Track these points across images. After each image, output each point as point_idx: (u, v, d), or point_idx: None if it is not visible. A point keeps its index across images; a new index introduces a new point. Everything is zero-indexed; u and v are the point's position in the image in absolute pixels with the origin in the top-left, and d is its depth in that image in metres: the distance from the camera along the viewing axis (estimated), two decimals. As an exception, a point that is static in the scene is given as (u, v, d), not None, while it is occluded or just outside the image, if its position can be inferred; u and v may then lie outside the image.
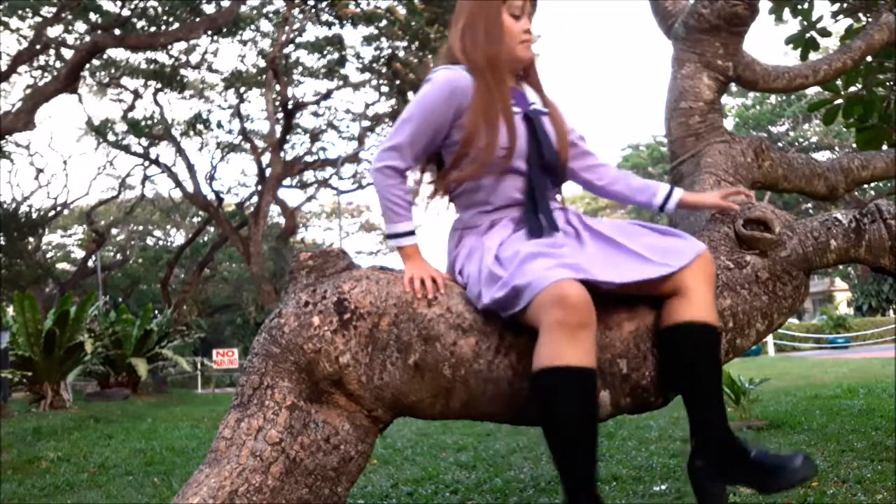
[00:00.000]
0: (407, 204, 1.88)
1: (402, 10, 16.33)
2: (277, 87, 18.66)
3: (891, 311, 26.34)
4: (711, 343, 1.72)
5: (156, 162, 21.11)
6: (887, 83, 4.47)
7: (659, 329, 1.76)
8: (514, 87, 1.94)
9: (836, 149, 24.06)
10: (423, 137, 1.86)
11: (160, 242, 31.41)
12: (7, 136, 13.74)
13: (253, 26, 18.38)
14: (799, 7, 4.36)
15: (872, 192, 15.84)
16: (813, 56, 4.26)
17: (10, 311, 10.31)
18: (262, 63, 19.09)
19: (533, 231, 1.82)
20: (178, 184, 20.59)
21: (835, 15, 4.46)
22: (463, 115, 1.85)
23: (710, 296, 1.73)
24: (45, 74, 15.96)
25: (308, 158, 22.40)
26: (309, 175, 24.03)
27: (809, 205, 22.44)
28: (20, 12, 13.54)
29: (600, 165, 2.09)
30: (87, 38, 13.27)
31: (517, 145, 1.85)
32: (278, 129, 19.18)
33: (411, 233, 1.88)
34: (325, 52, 18.98)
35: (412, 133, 1.85)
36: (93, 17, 14.18)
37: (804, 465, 1.59)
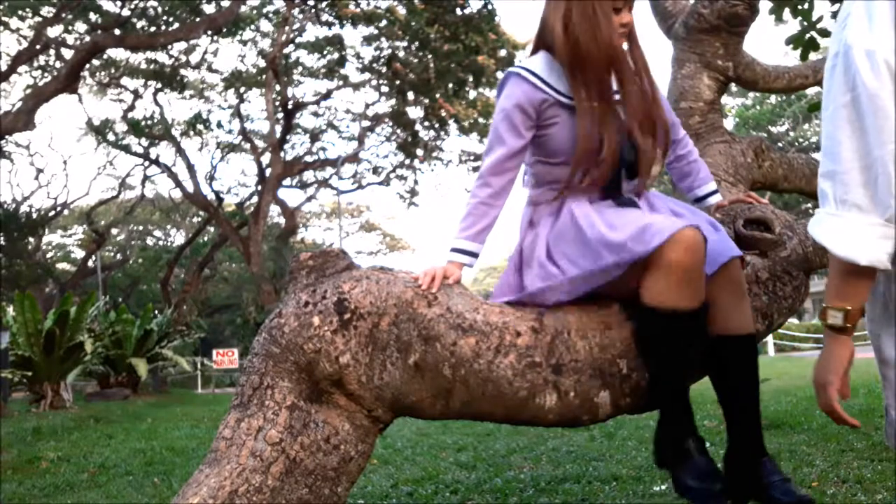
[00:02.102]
0: (474, 221, 1.84)
1: (402, 10, 16.32)
2: (277, 87, 18.64)
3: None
4: (742, 354, 1.74)
5: (156, 162, 21.10)
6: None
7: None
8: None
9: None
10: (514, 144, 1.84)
11: (160, 242, 31.39)
12: (7, 136, 13.73)
13: (253, 26, 18.37)
14: (799, 7, 4.36)
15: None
16: (813, 56, 4.25)
17: (10, 311, 10.30)
18: (262, 63, 19.08)
19: (622, 203, 1.82)
20: (178, 184, 20.57)
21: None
22: (546, 111, 1.82)
23: (739, 302, 1.74)
24: (45, 74, 15.95)
25: (308, 158, 22.38)
26: (309, 175, 24.03)
27: (809, 205, 22.42)
28: (20, 12, 13.54)
29: (676, 142, 2.06)
30: (87, 38, 13.27)
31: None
32: (278, 129, 19.16)
33: (458, 250, 1.84)
34: (325, 52, 18.97)
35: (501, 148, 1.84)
36: (93, 17, 14.18)
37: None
